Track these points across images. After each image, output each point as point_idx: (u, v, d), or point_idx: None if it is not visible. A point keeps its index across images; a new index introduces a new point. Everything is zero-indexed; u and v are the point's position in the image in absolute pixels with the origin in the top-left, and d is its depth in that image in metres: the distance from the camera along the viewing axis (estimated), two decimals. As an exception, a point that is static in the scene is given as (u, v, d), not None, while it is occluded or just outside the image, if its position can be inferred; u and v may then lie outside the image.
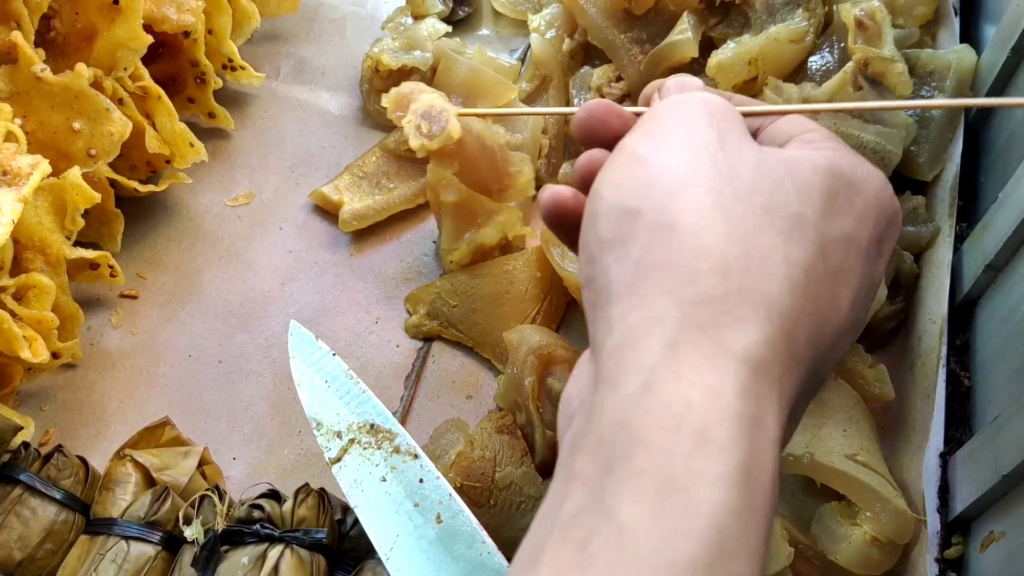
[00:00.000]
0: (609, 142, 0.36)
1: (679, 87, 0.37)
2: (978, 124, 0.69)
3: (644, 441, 0.25)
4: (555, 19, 0.78)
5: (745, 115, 0.36)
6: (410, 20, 0.81)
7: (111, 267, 0.66)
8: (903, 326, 0.64)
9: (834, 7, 0.69)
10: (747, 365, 0.27)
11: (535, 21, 0.78)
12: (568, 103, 0.76)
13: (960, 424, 0.59)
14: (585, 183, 0.35)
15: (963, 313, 0.63)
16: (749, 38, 0.68)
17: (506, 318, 0.66)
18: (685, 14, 0.71)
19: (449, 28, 0.80)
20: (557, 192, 0.37)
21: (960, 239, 0.65)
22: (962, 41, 0.74)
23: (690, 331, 0.27)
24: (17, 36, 0.61)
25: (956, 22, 0.73)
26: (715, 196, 0.30)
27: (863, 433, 0.58)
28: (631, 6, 0.74)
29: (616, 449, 0.25)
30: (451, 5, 0.83)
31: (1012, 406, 0.50)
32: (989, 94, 0.66)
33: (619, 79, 0.74)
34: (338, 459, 0.47)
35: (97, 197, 0.62)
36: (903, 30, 0.71)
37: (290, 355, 0.52)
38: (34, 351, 0.57)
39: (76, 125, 0.63)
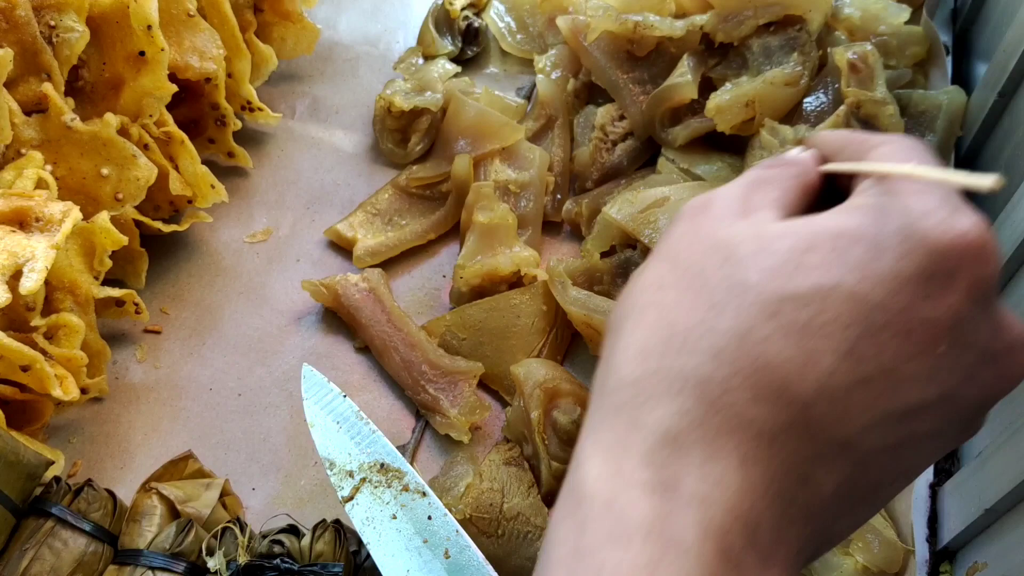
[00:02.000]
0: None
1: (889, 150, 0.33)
2: (968, 161, 0.72)
3: (562, 519, 0.28)
4: (560, 60, 0.81)
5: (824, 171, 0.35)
6: (421, 60, 0.84)
7: (136, 304, 0.69)
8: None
9: (828, 50, 0.72)
10: (656, 435, 0.28)
11: (541, 62, 0.81)
12: (572, 141, 0.79)
13: (950, 455, 0.61)
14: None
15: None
16: (746, 80, 0.71)
17: (513, 351, 0.68)
18: (685, 56, 0.74)
19: (459, 68, 0.83)
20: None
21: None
22: (955, 80, 0.76)
23: (608, 417, 0.29)
24: (48, 87, 0.64)
25: (948, 61, 0.76)
26: (653, 292, 0.31)
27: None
28: (633, 48, 0.77)
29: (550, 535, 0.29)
30: (460, 45, 0.86)
31: (994, 442, 0.52)
32: (978, 135, 0.69)
33: (622, 118, 0.77)
34: (350, 498, 0.50)
35: (124, 240, 0.65)
36: (895, 71, 0.73)
37: (303, 397, 0.55)
38: (65, 389, 0.60)
39: (104, 171, 0.66)
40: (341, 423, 0.54)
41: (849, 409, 0.28)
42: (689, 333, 0.29)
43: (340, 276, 0.72)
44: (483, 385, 0.69)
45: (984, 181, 0.28)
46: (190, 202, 0.73)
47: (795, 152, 0.36)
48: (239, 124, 0.78)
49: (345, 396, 0.55)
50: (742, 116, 0.70)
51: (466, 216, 0.73)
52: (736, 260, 0.30)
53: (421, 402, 0.66)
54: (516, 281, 0.70)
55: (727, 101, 0.70)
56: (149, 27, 0.65)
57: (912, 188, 0.29)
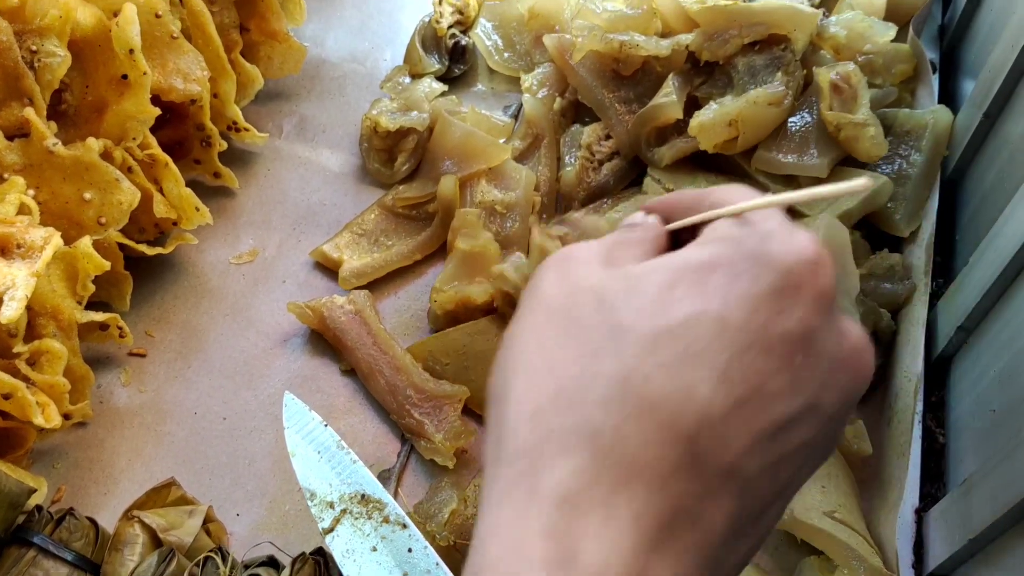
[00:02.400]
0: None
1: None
2: (954, 181, 0.71)
3: None
4: (546, 78, 0.81)
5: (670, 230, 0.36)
6: (408, 79, 0.84)
7: (120, 328, 0.69)
8: (881, 382, 0.66)
9: (812, 69, 0.72)
10: (554, 502, 0.27)
11: (527, 81, 0.81)
12: (559, 160, 0.79)
13: (935, 480, 0.61)
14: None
15: (939, 370, 0.65)
16: (730, 100, 0.70)
17: (498, 374, 0.68)
18: (671, 75, 0.74)
19: (445, 87, 0.83)
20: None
21: (937, 295, 0.67)
22: (942, 97, 0.76)
23: (508, 487, 0.28)
24: (30, 112, 0.64)
25: (935, 79, 0.76)
26: (536, 343, 0.31)
27: (841, 489, 0.60)
28: (619, 67, 0.77)
29: None
30: (447, 63, 0.86)
31: (980, 470, 0.52)
32: (964, 154, 0.69)
33: (608, 137, 0.77)
34: (331, 529, 0.50)
35: (107, 265, 0.65)
36: (881, 89, 0.73)
37: (284, 426, 0.55)
38: (47, 417, 0.60)
39: (87, 195, 0.66)
40: (322, 453, 0.54)
41: (728, 435, 0.28)
42: (575, 385, 0.29)
43: (326, 298, 0.71)
44: (468, 410, 0.68)
45: (856, 184, 0.30)
46: (175, 224, 0.73)
47: (639, 217, 0.37)
48: (225, 145, 0.77)
49: (327, 425, 0.55)
50: (725, 135, 0.70)
51: (451, 239, 0.73)
52: (609, 304, 0.30)
53: (406, 426, 0.66)
54: (491, 309, 0.69)
55: (710, 120, 0.70)
56: (131, 51, 0.65)
57: (756, 216, 0.31)
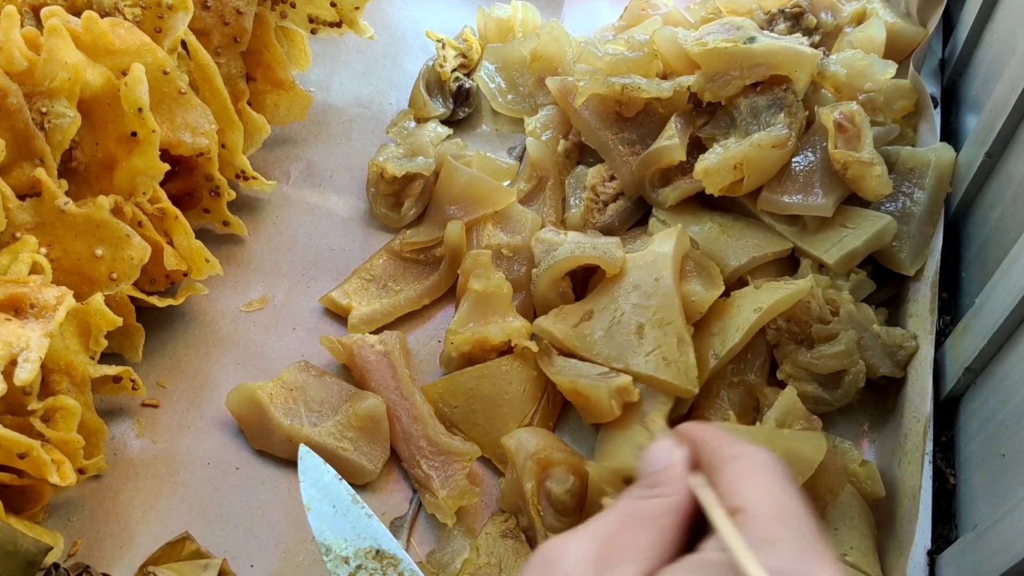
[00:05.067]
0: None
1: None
2: (959, 218, 0.72)
3: None
4: (550, 121, 0.81)
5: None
6: (413, 123, 0.85)
7: (133, 381, 0.70)
8: (891, 422, 0.66)
9: (815, 108, 0.72)
10: None
11: (531, 124, 0.81)
12: (564, 201, 0.80)
13: (947, 521, 0.61)
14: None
15: (948, 409, 0.65)
16: (734, 142, 0.71)
17: (505, 418, 0.68)
18: (673, 117, 0.75)
19: (450, 131, 0.83)
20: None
21: (943, 333, 0.67)
22: (944, 132, 0.77)
23: None
24: (41, 173, 0.65)
25: (936, 114, 0.76)
26: None
27: (857, 530, 0.60)
28: (621, 109, 0.77)
29: None
30: (451, 106, 0.87)
31: (991, 516, 0.52)
32: (967, 193, 0.69)
33: (612, 178, 0.78)
34: (345, 587, 0.50)
35: (119, 321, 0.65)
36: (883, 127, 0.74)
37: (300, 479, 0.55)
38: (62, 475, 0.61)
39: (98, 252, 0.67)
40: (337, 507, 0.55)
41: None
42: None
43: (358, 336, 0.72)
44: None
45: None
46: (185, 275, 0.74)
47: (663, 455, 0.39)
48: (233, 194, 0.78)
49: (341, 479, 0.56)
50: (730, 178, 0.70)
51: (462, 281, 0.73)
52: None
53: (414, 476, 0.67)
54: (507, 349, 0.70)
55: (715, 164, 0.70)
56: (140, 109, 0.66)
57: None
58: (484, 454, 0.69)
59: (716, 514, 0.35)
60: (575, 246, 0.70)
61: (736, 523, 0.34)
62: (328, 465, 0.56)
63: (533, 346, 0.68)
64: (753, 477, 0.36)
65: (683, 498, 0.37)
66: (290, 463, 0.69)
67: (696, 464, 0.39)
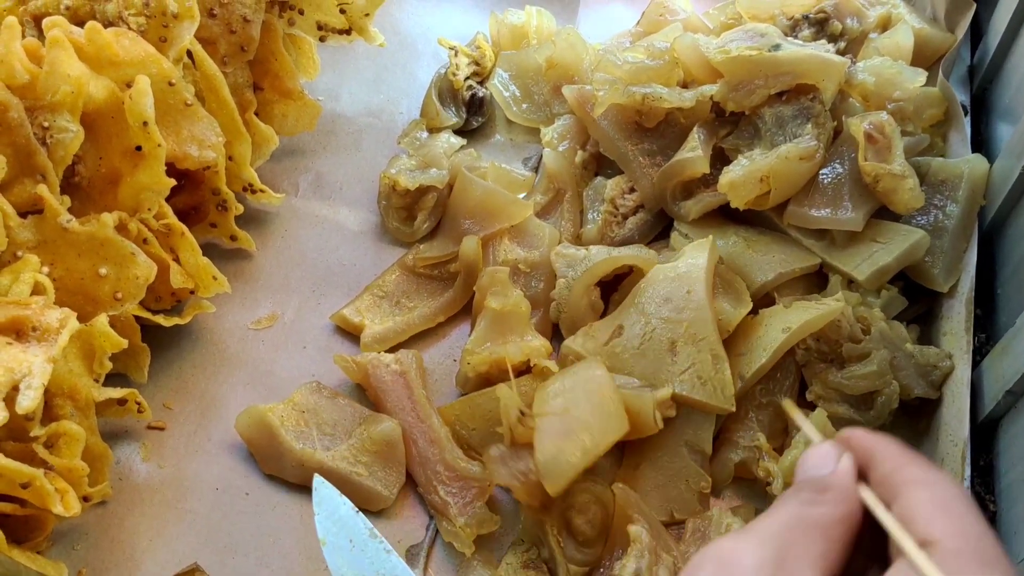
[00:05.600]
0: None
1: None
2: (993, 232, 0.69)
3: None
4: (567, 131, 0.79)
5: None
6: (425, 134, 0.83)
7: (138, 403, 0.67)
8: (924, 445, 0.64)
9: (843, 118, 0.70)
10: None
11: (547, 135, 0.79)
12: (582, 214, 0.77)
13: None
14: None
15: (986, 432, 0.62)
16: (760, 154, 0.69)
17: (526, 443, 0.66)
18: (695, 128, 0.72)
19: (464, 142, 0.81)
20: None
21: (979, 351, 0.65)
22: (974, 140, 0.75)
23: None
24: (43, 189, 0.63)
25: (967, 122, 0.74)
26: None
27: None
28: (641, 119, 0.75)
29: None
30: (465, 116, 0.84)
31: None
32: (1003, 206, 0.67)
33: (632, 190, 0.75)
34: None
35: (124, 343, 0.63)
36: (913, 137, 0.71)
37: (315, 512, 0.53)
38: (66, 505, 0.58)
39: (102, 271, 0.64)
40: (355, 541, 0.52)
41: None
42: None
43: (373, 355, 0.69)
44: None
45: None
46: (192, 292, 0.71)
47: (828, 458, 0.38)
48: (241, 208, 0.76)
49: (358, 512, 0.53)
50: (756, 191, 0.68)
51: (479, 299, 0.71)
52: None
53: (431, 502, 0.64)
54: (525, 369, 0.68)
55: (740, 177, 0.68)
56: (145, 123, 0.64)
57: None
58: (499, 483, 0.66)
59: (907, 543, 0.34)
60: (606, 252, 0.69)
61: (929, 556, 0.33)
62: (344, 497, 0.54)
63: (553, 366, 0.65)
64: (945, 510, 0.34)
65: (855, 510, 0.36)
66: (302, 488, 0.67)
67: (862, 475, 0.38)
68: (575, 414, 0.59)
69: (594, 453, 0.58)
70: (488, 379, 0.68)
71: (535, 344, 0.67)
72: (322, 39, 0.83)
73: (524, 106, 0.84)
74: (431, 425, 0.66)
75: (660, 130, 0.75)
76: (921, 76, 0.71)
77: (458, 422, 0.68)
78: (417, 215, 0.78)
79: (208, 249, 0.75)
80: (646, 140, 0.75)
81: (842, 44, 0.77)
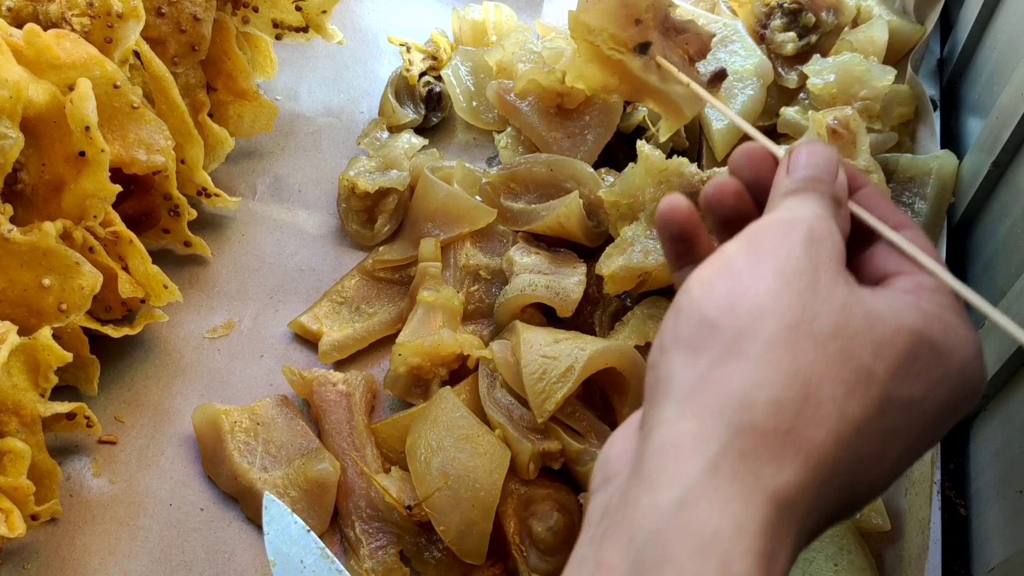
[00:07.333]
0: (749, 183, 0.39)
1: (809, 157, 0.37)
2: (963, 229, 0.68)
3: (673, 560, 0.27)
4: (518, 137, 0.77)
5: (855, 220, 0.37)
6: (386, 134, 0.80)
7: (87, 418, 0.65)
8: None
9: (808, 114, 0.68)
10: (774, 503, 0.29)
11: (501, 140, 0.77)
12: (547, 215, 0.75)
13: (959, 554, 0.58)
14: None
15: (956, 435, 0.61)
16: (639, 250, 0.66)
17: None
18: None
19: (425, 142, 0.79)
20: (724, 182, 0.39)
21: (950, 352, 0.63)
22: (944, 136, 0.73)
23: (732, 457, 0.29)
24: (-18, 198, 0.60)
25: (936, 118, 0.72)
26: (790, 333, 0.31)
27: (855, 565, 0.57)
28: (563, 101, 0.75)
29: (646, 559, 0.28)
30: (423, 112, 0.82)
31: (1009, 561, 0.48)
32: (973, 202, 0.65)
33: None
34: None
35: (69, 357, 0.61)
36: (880, 134, 0.70)
37: (264, 531, 0.51)
38: (10, 526, 0.56)
39: (46, 281, 0.62)
40: (305, 562, 0.50)
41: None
42: (822, 406, 0.30)
43: (322, 372, 0.68)
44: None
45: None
46: (143, 301, 0.69)
47: (834, 158, 0.38)
48: (194, 213, 0.74)
49: (309, 531, 0.51)
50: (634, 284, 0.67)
51: (412, 293, 0.69)
52: (859, 340, 0.31)
53: (346, 535, 0.61)
54: (459, 368, 0.66)
55: (619, 271, 0.64)
56: (87, 128, 0.61)
57: (964, 322, 0.35)
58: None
59: (914, 249, 0.36)
60: (527, 282, 0.66)
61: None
62: (295, 516, 0.52)
63: (488, 353, 0.63)
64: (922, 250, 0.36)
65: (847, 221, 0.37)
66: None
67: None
68: (455, 473, 0.58)
69: (492, 501, 0.57)
70: (419, 374, 0.65)
71: (469, 336, 0.65)
72: (278, 37, 0.81)
73: (474, 103, 0.81)
74: (364, 455, 0.64)
75: (581, 111, 0.74)
76: (890, 74, 0.70)
77: (385, 444, 0.65)
78: (377, 218, 0.76)
79: (161, 255, 0.73)
80: (568, 124, 0.74)
81: (814, 37, 0.76)
